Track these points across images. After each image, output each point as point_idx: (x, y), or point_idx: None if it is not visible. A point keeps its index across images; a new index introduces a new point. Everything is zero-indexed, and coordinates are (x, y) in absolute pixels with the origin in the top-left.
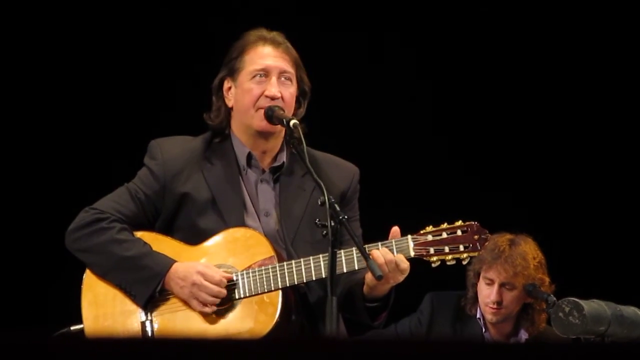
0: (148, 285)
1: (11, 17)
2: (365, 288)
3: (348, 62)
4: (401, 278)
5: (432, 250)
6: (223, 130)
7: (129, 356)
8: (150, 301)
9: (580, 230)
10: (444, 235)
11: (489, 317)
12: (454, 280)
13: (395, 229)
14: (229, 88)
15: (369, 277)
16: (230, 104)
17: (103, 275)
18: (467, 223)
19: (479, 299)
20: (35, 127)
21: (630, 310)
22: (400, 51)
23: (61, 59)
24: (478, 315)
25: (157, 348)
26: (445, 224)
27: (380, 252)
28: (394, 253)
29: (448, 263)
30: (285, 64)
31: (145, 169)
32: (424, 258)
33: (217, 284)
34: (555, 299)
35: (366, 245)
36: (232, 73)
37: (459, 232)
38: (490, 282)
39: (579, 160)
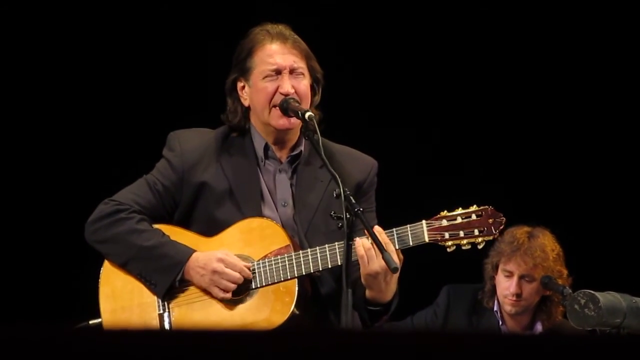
0: (169, 274)
1: (32, 12)
2: (367, 292)
3: (358, 59)
4: (381, 264)
5: (447, 235)
6: (242, 128)
7: (147, 348)
8: (170, 290)
9: (595, 222)
10: (459, 220)
11: (508, 308)
12: (471, 273)
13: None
14: (243, 87)
15: (365, 281)
16: (246, 103)
17: (123, 265)
18: (482, 207)
19: (498, 292)
20: (57, 122)
21: None
22: (407, 44)
23: (82, 52)
24: (495, 309)
25: (174, 339)
26: (460, 208)
27: (362, 244)
28: (409, 238)
29: (463, 248)
30: (295, 59)
31: (163, 161)
32: (439, 243)
33: (238, 270)
34: (570, 291)
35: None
36: (244, 73)
37: (473, 217)
38: (510, 275)
39: (594, 152)
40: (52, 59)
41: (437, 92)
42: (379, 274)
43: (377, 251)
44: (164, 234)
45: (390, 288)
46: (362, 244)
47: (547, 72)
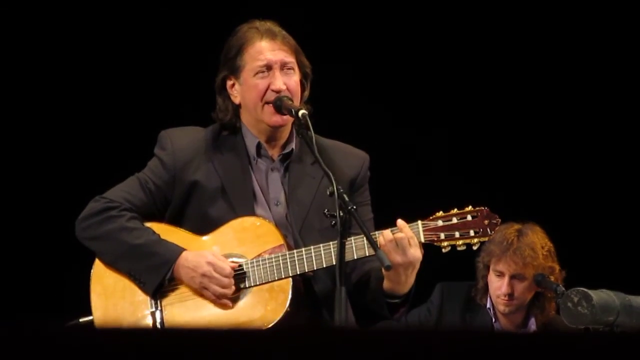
0: (158, 273)
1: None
2: (385, 284)
3: (354, 56)
4: (405, 258)
5: (442, 236)
6: (233, 125)
7: (138, 347)
8: (160, 289)
9: (590, 220)
10: (454, 220)
11: (501, 308)
12: (465, 271)
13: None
14: (233, 85)
15: (386, 273)
16: (237, 101)
17: (112, 263)
18: (477, 208)
19: (490, 291)
20: (49, 120)
21: (639, 300)
22: (403, 43)
23: (72, 50)
24: (488, 305)
25: (167, 338)
26: (455, 209)
27: (383, 236)
28: None
29: (459, 248)
30: (285, 55)
31: (155, 159)
32: (435, 243)
33: (227, 276)
34: (564, 288)
35: (376, 232)
36: (234, 71)
37: (469, 217)
38: (501, 275)
39: (589, 148)
40: (42, 56)
41: (434, 91)
42: (401, 266)
43: (400, 244)
44: (154, 232)
45: (409, 281)
46: (384, 236)
47: (535, 68)
